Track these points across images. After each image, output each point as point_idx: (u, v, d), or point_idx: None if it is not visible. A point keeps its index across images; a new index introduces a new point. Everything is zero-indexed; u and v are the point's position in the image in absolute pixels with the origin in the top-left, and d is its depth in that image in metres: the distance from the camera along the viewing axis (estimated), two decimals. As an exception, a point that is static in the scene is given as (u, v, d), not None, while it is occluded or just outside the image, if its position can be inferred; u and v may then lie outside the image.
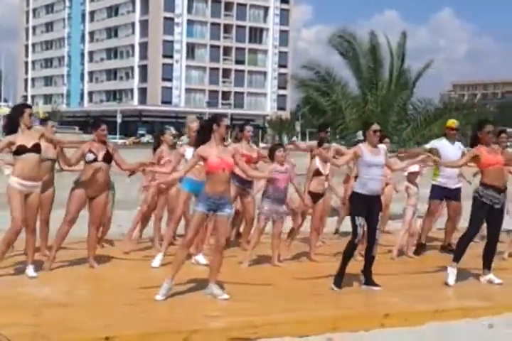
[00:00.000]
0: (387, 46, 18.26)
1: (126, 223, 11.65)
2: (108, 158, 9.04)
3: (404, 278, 9.25)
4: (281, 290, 8.34)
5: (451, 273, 8.80)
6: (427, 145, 11.30)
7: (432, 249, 11.56)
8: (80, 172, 9.20)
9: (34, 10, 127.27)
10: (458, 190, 11.12)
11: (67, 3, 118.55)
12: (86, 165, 9.01)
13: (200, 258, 9.52)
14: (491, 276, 9.02)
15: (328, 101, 18.04)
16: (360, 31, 18.97)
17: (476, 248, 9.51)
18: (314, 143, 11.12)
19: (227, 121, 7.81)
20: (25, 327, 6.40)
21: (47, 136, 8.73)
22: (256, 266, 9.70)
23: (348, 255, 8.47)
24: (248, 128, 10.86)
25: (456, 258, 8.87)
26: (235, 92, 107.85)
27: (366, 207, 8.39)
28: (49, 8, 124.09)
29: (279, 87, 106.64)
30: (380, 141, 9.20)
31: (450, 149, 10.90)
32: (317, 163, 10.02)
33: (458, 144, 11.14)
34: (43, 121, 10.16)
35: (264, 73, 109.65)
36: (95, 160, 8.95)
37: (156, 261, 9.31)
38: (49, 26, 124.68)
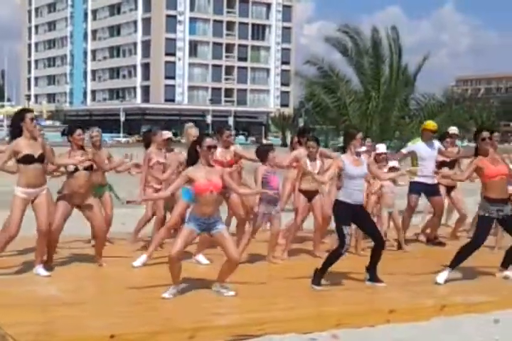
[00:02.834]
0: (387, 41, 18.25)
1: (129, 221, 11.66)
2: (89, 166, 8.94)
3: (408, 275, 9.23)
4: (285, 287, 8.33)
5: (443, 275, 8.67)
6: (404, 150, 11.39)
7: (435, 245, 11.55)
8: (63, 182, 9.16)
9: (36, 9, 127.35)
10: (436, 185, 11.27)
11: (70, 2, 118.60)
12: (68, 175, 8.95)
13: (201, 258, 9.51)
14: (507, 273, 9.01)
15: (332, 97, 18.04)
16: (362, 27, 18.95)
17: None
18: (299, 152, 10.86)
19: (209, 142, 7.63)
20: (30, 326, 6.41)
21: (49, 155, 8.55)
22: (259, 264, 9.70)
23: (331, 262, 8.30)
24: (227, 133, 10.27)
25: (453, 265, 8.74)
26: (238, 89, 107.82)
27: (352, 215, 8.27)
28: (51, 7, 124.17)
29: (282, 84, 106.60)
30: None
31: (427, 151, 11.06)
32: (306, 162, 9.97)
33: (433, 144, 11.25)
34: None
35: (267, 70, 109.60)
36: (76, 170, 8.87)
37: (138, 261, 9.25)
38: (51, 25, 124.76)
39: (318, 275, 8.29)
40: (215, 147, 7.72)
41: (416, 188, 11.11)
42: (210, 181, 7.52)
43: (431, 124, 11.40)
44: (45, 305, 7.19)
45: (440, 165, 11.47)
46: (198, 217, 7.56)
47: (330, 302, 7.72)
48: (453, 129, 12.72)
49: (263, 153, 9.50)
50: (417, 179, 10.95)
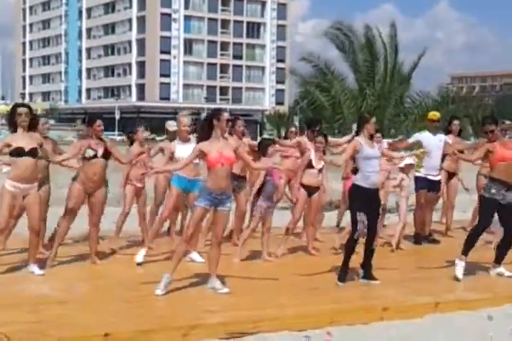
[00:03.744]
0: (380, 39, 18.26)
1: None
2: (107, 155, 9.06)
3: (402, 271, 9.26)
4: (278, 284, 8.33)
5: (460, 266, 8.75)
6: (410, 140, 11.48)
7: (430, 242, 11.59)
8: (78, 169, 9.20)
9: (31, 7, 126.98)
10: (438, 182, 11.41)
11: (64, 0, 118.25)
12: (85, 161, 9.01)
13: (196, 256, 9.49)
14: (501, 269, 9.06)
15: (327, 96, 18.05)
16: (357, 25, 18.96)
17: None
18: (302, 138, 10.96)
19: (227, 115, 7.79)
20: (24, 325, 6.40)
21: (45, 149, 8.66)
22: (252, 261, 9.70)
23: (349, 250, 8.44)
24: (239, 122, 10.62)
25: (465, 252, 8.82)
26: (233, 87, 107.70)
27: (367, 201, 8.35)
28: (45, 6, 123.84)
29: (277, 82, 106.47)
30: (372, 136, 9.26)
31: (432, 141, 11.14)
32: (312, 155, 10.01)
33: (439, 136, 11.28)
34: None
35: (262, 68, 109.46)
36: (95, 156, 8.96)
37: (140, 257, 9.27)
38: (46, 23, 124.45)
39: (343, 272, 8.37)
40: (230, 121, 7.82)
41: (421, 184, 11.24)
42: (221, 154, 7.57)
43: (431, 114, 11.65)
44: (38, 304, 7.16)
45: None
46: (210, 192, 7.60)
47: (324, 299, 7.71)
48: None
49: (265, 147, 9.60)
50: (422, 173, 11.08)
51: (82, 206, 9.22)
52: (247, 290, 7.98)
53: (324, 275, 8.59)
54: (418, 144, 11.36)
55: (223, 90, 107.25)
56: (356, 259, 8.75)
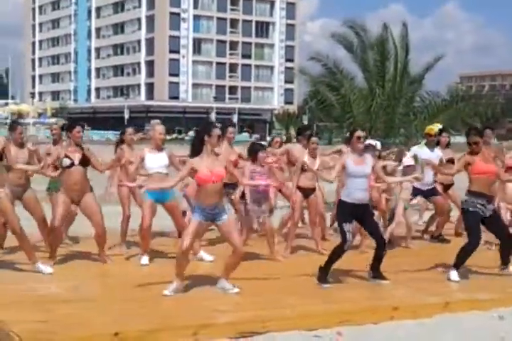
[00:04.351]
0: (391, 38, 18.19)
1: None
2: (85, 162, 8.98)
3: (412, 271, 9.21)
4: (288, 284, 8.32)
5: (453, 275, 8.68)
6: (410, 153, 11.36)
7: (439, 242, 11.56)
8: (56, 177, 9.21)
9: (40, 7, 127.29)
10: (434, 188, 11.24)
11: (73, 0, 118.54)
12: (63, 170, 8.96)
13: (204, 255, 9.47)
14: (510, 269, 9.00)
15: (336, 95, 17.99)
16: (368, 24, 18.85)
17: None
18: (294, 145, 10.89)
19: (218, 131, 7.67)
20: (33, 324, 6.40)
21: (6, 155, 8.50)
22: (262, 261, 9.69)
23: (334, 258, 8.32)
24: (230, 129, 10.67)
25: (457, 266, 8.73)
26: (242, 87, 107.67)
27: (353, 214, 8.27)
28: (55, 5, 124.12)
29: (286, 81, 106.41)
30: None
31: (427, 156, 10.85)
32: (305, 157, 9.99)
33: (437, 152, 11.14)
34: (14, 124, 9.90)
35: (271, 67, 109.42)
36: (72, 164, 8.90)
37: (145, 260, 9.29)
38: (55, 23, 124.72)
39: (323, 273, 8.30)
40: (220, 137, 7.76)
41: (414, 192, 11.08)
42: (212, 171, 7.50)
43: (428, 128, 11.45)
44: (46, 303, 7.17)
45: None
46: (203, 207, 7.55)
47: (334, 299, 7.70)
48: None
49: (255, 152, 9.59)
50: (415, 185, 10.92)
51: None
52: (256, 289, 7.97)
53: (333, 274, 8.55)
54: (415, 158, 11.26)
55: (232, 89, 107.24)
56: (366, 260, 8.73)
